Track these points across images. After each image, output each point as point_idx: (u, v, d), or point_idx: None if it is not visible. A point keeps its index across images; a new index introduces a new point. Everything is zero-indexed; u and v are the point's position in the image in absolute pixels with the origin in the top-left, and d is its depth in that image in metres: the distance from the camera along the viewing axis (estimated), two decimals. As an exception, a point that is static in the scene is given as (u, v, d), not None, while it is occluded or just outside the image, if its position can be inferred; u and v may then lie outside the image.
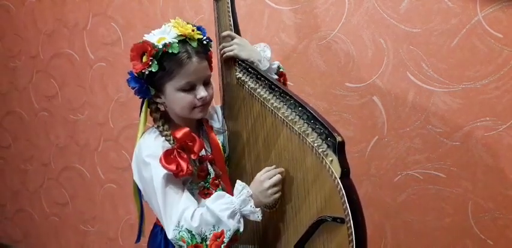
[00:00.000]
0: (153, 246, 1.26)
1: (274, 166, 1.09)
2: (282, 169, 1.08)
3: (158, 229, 1.25)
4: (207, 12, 1.83)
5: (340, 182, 0.92)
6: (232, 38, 1.21)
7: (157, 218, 1.25)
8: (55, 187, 2.62)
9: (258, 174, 1.08)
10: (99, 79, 2.26)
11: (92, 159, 2.38)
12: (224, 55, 1.21)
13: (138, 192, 1.23)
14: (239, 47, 1.19)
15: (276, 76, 1.26)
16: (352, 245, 0.90)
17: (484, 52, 1.34)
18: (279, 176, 1.06)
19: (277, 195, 1.06)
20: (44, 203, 2.71)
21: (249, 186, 1.07)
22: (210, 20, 1.80)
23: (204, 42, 1.13)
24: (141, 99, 1.20)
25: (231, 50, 1.19)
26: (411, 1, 1.42)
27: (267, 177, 1.05)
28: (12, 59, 2.64)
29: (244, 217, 1.05)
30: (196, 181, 1.15)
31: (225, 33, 1.22)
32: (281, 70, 1.29)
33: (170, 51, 1.05)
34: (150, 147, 1.11)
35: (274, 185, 1.05)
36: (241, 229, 1.04)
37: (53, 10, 2.37)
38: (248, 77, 1.17)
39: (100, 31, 2.20)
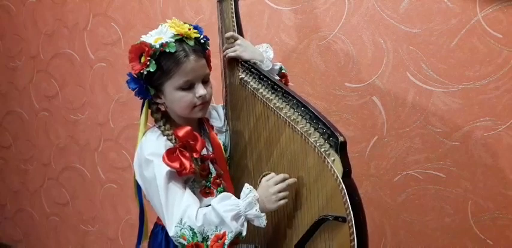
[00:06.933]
0: (154, 246, 1.26)
1: (285, 174, 1.08)
2: (287, 175, 1.07)
3: (159, 229, 1.25)
4: (207, 12, 1.83)
5: (342, 181, 0.93)
6: (235, 39, 1.22)
7: (157, 218, 1.25)
8: (55, 187, 2.62)
9: (265, 178, 1.07)
10: (100, 80, 2.26)
11: (92, 159, 2.39)
12: (227, 56, 1.22)
13: (139, 193, 1.23)
14: (241, 47, 1.20)
15: (278, 77, 1.27)
16: (354, 244, 0.91)
17: (483, 52, 1.34)
18: (286, 182, 1.05)
19: (282, 201, 1.04)
20: (44, 203, 2.71)
21: (256, 190, 1.06)
22: (210, 20, 1.81)
23: (202, 40, 1.13)
24: (142, 100, 1.20)
25: (234, 51, 1.20)
26: (411, 1, 1.42)
27: (273, 182, 1.05)
28: (13, 58, 2.64)
29: (248, 221, 1.04)
30: (198, 179, 1.15)
31: (228, 35, 1.22)
32: (283, 71, 1.30)
33: (167, 51, 1.06)
34: (152, 146, 1.11)
35: (280, 191, 1.04)
36: (244, 233, 1.04)
37: (53, 10, 2.37)
38: (251, 78, 1.18)
39: (100, 31, 2.20)
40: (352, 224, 0.91)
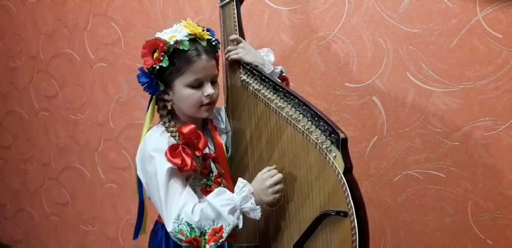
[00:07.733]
0: (154, 243, 1.27)
1: (274, 166, 1.11)
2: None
3: (159, 227, 1.26)
4: (207, 12, 1.83)
5: (343, 177, 0.93)
6: (238, 42, 1.24)
7: (158, 216, 1.26)
8: (55, 187, 2.62)
9: (260, 173, 1.10)
10: (100, 80, 2.26)
11: (92, 159, 2.39)
12: (229, 58, 1.24)
13: (140, 188, 1.25)
14: (244, 50, 1.22)
15: (279, 80, 1.28)
16: (355, 239, 0.91)
17: (483, 52, 1.34)
18: (280, 175, 1.08)
19: (278, 194, 1.08)
20: (44, 203, 2.71)
21: (250, 183, 1.08)
22: (210, 20, 1.81)
23: (213, 43, 1.17)
24: (149, 97, 1.21)
25: (237, 53, 1.22)
26: (411, 1, 1.42)
27: (268, 176, 1.08)
28: (12, 58, 2.65)
29: (243, 214, 1.07)
30: (199, 178, 1.17)
31: (232, 37, 1.25)
32: (284, 74, 1.33)
33: (181, 48, 1.09)
34: (155, 142, 1.13)
35: (276, 184, 1.07)
36: (240, 226, 1.06)
37: (53, 10, 2.37)
38: (252, 79, 1.19)
39: (100, 31, 2.20)
40: (353, 218, 0.91)
